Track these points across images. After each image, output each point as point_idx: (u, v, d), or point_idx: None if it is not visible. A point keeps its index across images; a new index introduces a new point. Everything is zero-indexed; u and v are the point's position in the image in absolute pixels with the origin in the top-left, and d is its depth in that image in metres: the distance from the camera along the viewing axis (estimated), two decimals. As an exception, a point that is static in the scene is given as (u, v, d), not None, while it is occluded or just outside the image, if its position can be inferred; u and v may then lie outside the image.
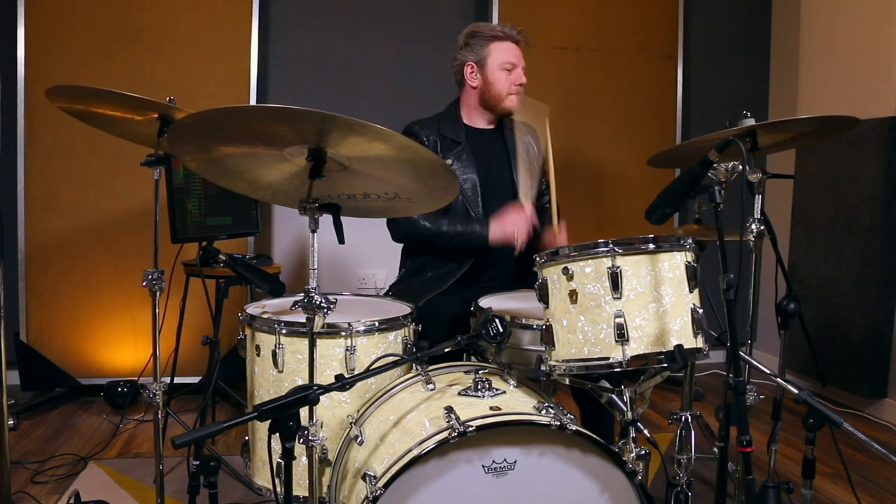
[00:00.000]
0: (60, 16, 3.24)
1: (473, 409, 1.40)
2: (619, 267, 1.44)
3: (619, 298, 1.44)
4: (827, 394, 3.36)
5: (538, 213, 2.29)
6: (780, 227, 2.44)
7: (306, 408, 1.34)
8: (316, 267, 1.44)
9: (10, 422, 1.93)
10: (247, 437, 1.85)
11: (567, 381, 1.58)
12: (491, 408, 1.41)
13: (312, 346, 1.44)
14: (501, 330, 1.56)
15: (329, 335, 1.68)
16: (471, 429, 1.30)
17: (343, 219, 1.47)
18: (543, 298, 1.55)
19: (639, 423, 1.51)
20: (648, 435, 1.51)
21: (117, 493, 2.30)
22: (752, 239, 1.82)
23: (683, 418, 1.86)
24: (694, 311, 1.48)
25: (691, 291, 1.49)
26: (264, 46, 3.58)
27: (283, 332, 1.70)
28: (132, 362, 3.32)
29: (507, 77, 2.24)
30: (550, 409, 1.43)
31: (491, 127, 2.36)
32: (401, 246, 2.39)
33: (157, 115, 1.81)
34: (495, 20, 3.65)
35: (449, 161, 2.21)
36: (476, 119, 2.33)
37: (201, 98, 3.31)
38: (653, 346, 1.44)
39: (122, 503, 2.23)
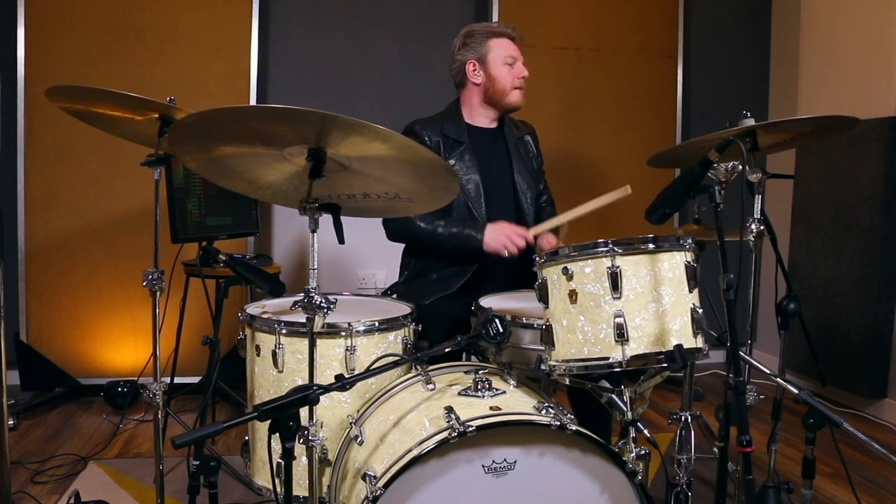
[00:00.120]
0: (60, 16, 3.24)
1: (473, 409, 1.40)
2: (618, 267, 1.44)
3: (619, 298, 1.44)
4: (827, 394, 3.36)
5: (536, 213, 2.30)
6: (780, 227, 2.45)
7: (306, 408, 1.34)
8: (316, 267, 1.44)
9: (10, 422, 1.93)
10: (247, 437, 1.85)
11: (567, 381, 1.58)
12: (491, 408, 1.41)
13: (312, 346, 1.44)
14: (501, 330, 1.56)
15: (329, 335, 1.68)
16: (471, 429, 1.30)
17: (343, 219, 1.47)
18: (543, 298, 1.55)
19: (639, 423, 1.51)
20: (648, 435, 1.51)
21: (117, 493, 2.30)
22: (752, 239, 1.82)
23: (683, 418, 1.86)
24: (694, 311, 1.48)
25: (691, 291, 1.49)
26: (264, 46, 3.58)
27: (283, 332, 1.70)
28: (132, 362, 3.32)
29: (509, 71, 2.25)
30: (550, 409, 1.43)
31: (493, 126, 2.36)
32: (401, 246, 2.39)
33: (157, 115, 1.81)
34: (495, 20, 3.65)
35: (451, 161, 2.21)
36: (478, 118, 2.33)
37: (201, 98, 3.31)
38: (653, 346, 1.44)
39: (122, 503, 2.23)
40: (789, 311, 1.90)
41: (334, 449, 1.63)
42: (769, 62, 4.15)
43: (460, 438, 1.29)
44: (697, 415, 1.89)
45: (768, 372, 1.84)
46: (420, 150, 1.40)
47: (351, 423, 1.60)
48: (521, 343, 1.68)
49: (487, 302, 1.90)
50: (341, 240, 1.43)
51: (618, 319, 1.43)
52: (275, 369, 1.71)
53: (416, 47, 3.77)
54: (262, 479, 1.77)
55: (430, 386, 1.56)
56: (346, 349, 1.68)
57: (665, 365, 1.44)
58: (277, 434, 1.27)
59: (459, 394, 1.50)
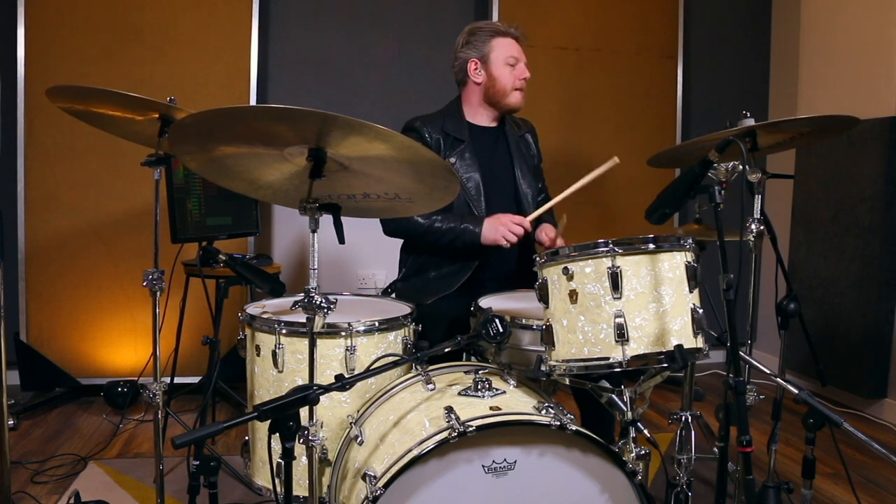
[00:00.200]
0: (60, 16, 3.24)
1: (473, 409, 1.40)
2: (619, 267, 1.44)
3: (619, 298, 1.44)
4: (827, 394, 3.36)
5: (535, 208, 2.29)
6: (780, 227, 2.44)
7: (306, 408, 1.34)
8: (316, 267, 1.44)
9: (10, 422, 1.93)
10: (247, 437, 1.85)
11: (567, 381, 1.58)
12: (491, 408, 1.41)
13: (312, 346, 1.44)
14: (501, 330, 1.56)
15: (329, 335, 1.68)
16: (471, 429, 1.30)
17: (343, 219, 1.47)
18: (543, 298, 1.55)
19: (639, 423, 1.51)
20: (648, 435, 1.51)
21: (117, 493, 2.30)
22: (752, 239, 1.81)
23: (683, 418, 1.86)
24: (694, 311, 1.48)
25: (691, 291, 1.49)
26: (264, 46, 3.58)
27: (283, 332, 1.70)
28: (132, 362, 3.33)
29: (511, 72, 2.25)
30: (550, 409, 1.43)
31: (494, 125, 2.36)
32: (400, 245, 2.39)
33: (157, 115, 1.81)
34: (495, 20, 3.65)
35: (452, 159, 2.21)
36: (479, 117, 2.33)
37: (201, 98, 3.31)
38: (653, 346, 1.44)
39: (122, 503, 2.23)
40: (789, 311, 1.90)
41: (334, 449, 1.63)
42: (769, 62, 4.15)
43: (460, 438, 1.29)
44: (697, 415, 1.89)
45: (768, 372, 1.84)
46: (420, 150, 1.40)
47: (351, 423, 1.60)
48: (521, 344, 1.68)
49: (487, 302, 1.90)
50: (341, 240, 1.43)
51: (618, 319, 1.43)
52: (275, 369, 1.71)
53: (416, 47, 3.77)
54: (262, 479, 1.77)
55: (430, 386, 1.56)
56: (346, 349, 1.68)
57: (665, 365, 1.44)
58: (277, 434, 1.27)
59: (459, 394, 1.50)
